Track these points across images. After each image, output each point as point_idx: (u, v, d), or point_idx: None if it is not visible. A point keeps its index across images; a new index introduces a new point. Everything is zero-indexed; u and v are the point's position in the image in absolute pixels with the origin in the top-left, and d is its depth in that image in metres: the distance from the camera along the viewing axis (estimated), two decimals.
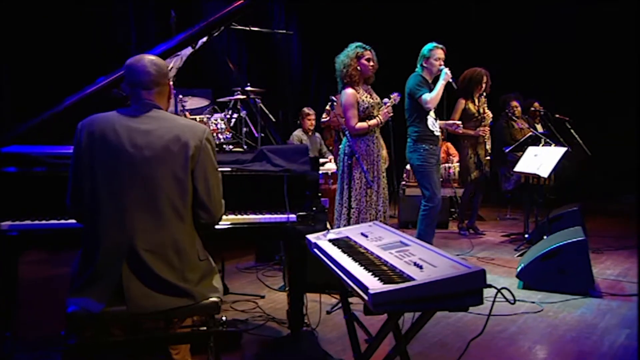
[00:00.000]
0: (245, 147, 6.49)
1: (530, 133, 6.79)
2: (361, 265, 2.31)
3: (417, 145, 5.64)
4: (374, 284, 2.04)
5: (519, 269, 4.92)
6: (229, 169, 3.15)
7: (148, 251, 2.32)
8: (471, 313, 4.04)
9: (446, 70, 5.55)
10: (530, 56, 10.04)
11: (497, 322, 4.04)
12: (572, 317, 4.14)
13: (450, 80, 5.56)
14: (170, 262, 2.36)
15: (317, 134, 7.96)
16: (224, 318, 2.59)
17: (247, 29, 6.60)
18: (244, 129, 6.72)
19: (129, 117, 2.45)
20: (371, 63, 5.14)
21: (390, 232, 2.81)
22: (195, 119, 6.37)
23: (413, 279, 2.05)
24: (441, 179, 8.27)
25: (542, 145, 6.44)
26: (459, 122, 5.99)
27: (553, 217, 6.50)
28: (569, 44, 9.69)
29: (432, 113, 5.66)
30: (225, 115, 6.60)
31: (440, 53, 5.65)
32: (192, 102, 6.59)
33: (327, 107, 7.41)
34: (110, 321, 2.34)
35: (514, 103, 8.09)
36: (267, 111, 7.02)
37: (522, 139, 6.85)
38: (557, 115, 8.78)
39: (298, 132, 7.84)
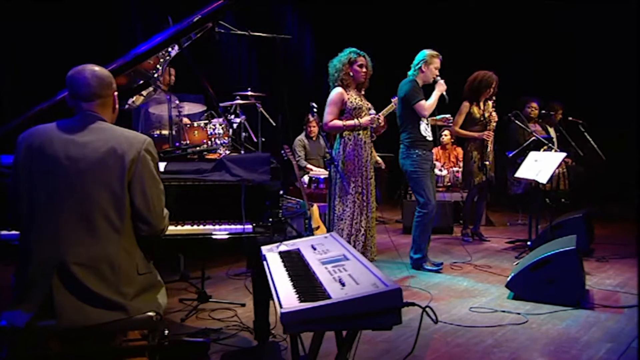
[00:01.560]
0: (242, 152, 6.51)
1: (534, 137, 6.63)
2: (292, 281, 2.28)
3: (410, 151, 5.57)
4: (290, 302, 2.00)
5: (508, 279, 4.81)
6: (173, 180, 3.13)
7: (79, 265, 2.31)
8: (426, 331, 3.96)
9: (442, 82, 5.52)
10: (548, 58, 9.83)
11: (475, 333, 3.94)
12: (555, 329, 4.02)
13: (444, 93, 5.50)
14: (104, 276, 2.34)
15: (322, 139, 7.91)
16: (166, 332, 2.57)
17: (247, 33, 6.60)
18: (243, 134, 6.74)
19: (68, 128, 2.45)
20: (364, 69, 5.11)
21: (339, 245, 2.75)
22: (192, 124, 6.42)
23: (329, 297, 1.99)
24: (449, 184, 8.24)
25: (544, 150, 6.29)
26: (448, 116, 5.85)
27: (556, 224, 6.33)
28: (590, 44, 9.46)
29: (424, 118, 5.59)
30: (224, 120, 6.61)
31: (438, 63, 5.59)
32: (189, 108, 6.62)
33: (309, 115, 7.39)
34: (42, 335, 2.34)
35: (534, 104, 7.96)
36: (267, 116, 7.01)
37: (525, 144, 6.70)
38: (570, 118, 8.62)
39: (301, 137, 7.82)
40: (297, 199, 6.48)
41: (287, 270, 2.44)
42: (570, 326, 4.09)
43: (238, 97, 6.73)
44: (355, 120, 5.03)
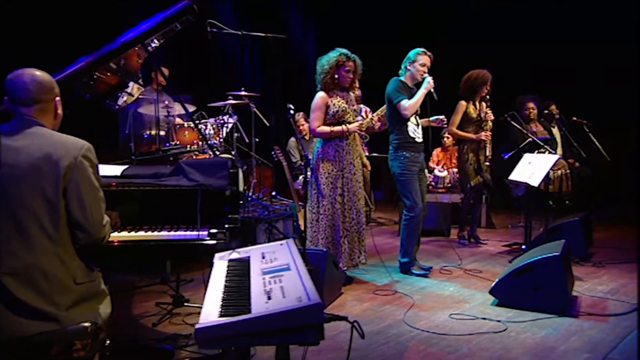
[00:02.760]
0: (233, 152, 6.46)
1: (530, 139, 6.48)
2: (224, 293, 2.21)
3: (397, 153, 5.47)
4: (209, 317, 1.93)
5: (492, 285, 4.69)
6: (129, 184, 3.07)
7: (10, 275, 2.26)
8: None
9: (429, 79, 5.38)
10: (550, 56, 9.63)
11: (450, 342, 3.84)
12: (533, 338, 3.90)
13: (432, 90, 5.38)
14: (37, 286, 2.29)
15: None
16: (107, 342, 2.50)
17: (240, 33, 6.55)
18: (236, 135, 6.68)
19: (4, 133, 2.40)
20: (350, 75, 5.02)
21: (289, 254, 2.67)
22: (182, 125, 6.38)
23: (249, 312, 1.92)
24: (449, 185, 8.11)
25: (537, 152, 6.15)
26: (442, 117, 5.70)
27: (552, 227, 6.21)
28: (594, 43, 9.25)
29: (413, 119, 5.49)
30: (217, 120, 6.58)
31: (426, 59, 5.48)
32: (179, 108, 6.58)
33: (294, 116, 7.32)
34: None
35: (531, 105, 7.83)
36: (261, 116, 6.95)
37: (521, 145, 6.55)
38: (574, 119, 8.44)
39: (293, 138, 7.76)
40: (291, 201, 6.43)
41: (226, 281, 2.38)
42: (550, 335, 3.97)
43: (230, 97, 6.68)
44: (343, 126, 4.93)
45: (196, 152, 5.70)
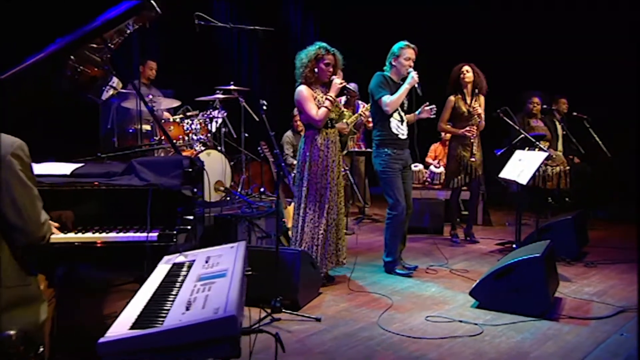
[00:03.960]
0: (219, 148, 6.37)
1: (522, 135, 6.32)
2: (149, 300, 2.12)
3: (379, 150, 5.36)
4: (118, 329, 1.84)
5: (473, 286, 4.57)
6: (78, 184, 2.99)
7: None
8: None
9: (413, 74, 5.26)
10: (557, 51, 9.41)
11: (421, 346, 3.73)
12: (508, 342, 3.78)
13: (416, 85, 5.26)
14: None
15: None
16: (41, 349, 2.43)
17: (228, 26, 6.45)
18: (223, 130, 6.59)
19: None
20: (330, 68, 4.91)
21: (233, 259, 2.56)
22: (168, 119, 6.30)
23: (160, 324, 1.83)
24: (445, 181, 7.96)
25: (528, 149, 6.00)
26: (432, 107, 5.53)
27: (544, 226, 6.07)
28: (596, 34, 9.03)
29: (396, 115, 5.37)
30: (204, 115, 6.49)
31: (410, 53, 5.34)
32: (165, 103, 6.51)
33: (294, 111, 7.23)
34: None
35: (536, 99, 7.72)
36: (250, 111, 6.86)
37: (514, 141, 6.39)
38: (574, 114, 8.27)
39: (289, 134, 7.66)
40: (288, 199, 6.32)
41: (158, 287, 2.28)
42: (526, 339, 3.84)
43: (218, 92, 6.58)
44: (329, 95, 4.83)
45: (164, 148, 5.60)
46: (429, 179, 8.21)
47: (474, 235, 6.99)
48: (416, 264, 5.65)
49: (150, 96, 6.11)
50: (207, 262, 2.58)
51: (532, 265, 4.24)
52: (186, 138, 6.33)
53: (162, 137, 6.28)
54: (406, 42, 5.36)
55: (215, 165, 6.16)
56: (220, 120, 6.82)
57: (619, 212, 8.58)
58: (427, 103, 5.51)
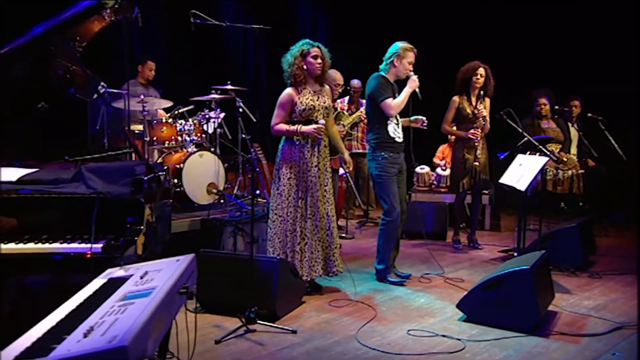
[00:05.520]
0: (212, 149, 6.23)
1: (526, 138, 6.05)
2: (59, 322, 1.97)
3: (375, 153, 5.18)
4: (5, 355, 1.68)
5: (460, 299, 4.36)
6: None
7: None
8: None
9: (414, 78, 5.11)
10: (567, 49, 9.08)
11: None
12: None
13: (417, 89, 5.07)
14: None
15: None
16: None
17: (224, 24, 6.32)
18: (219, 130, 6.46)
19: None
20: (318, 60, 4.75)
21: (167, 275, 2.39)
22: (161, 120, 6.18)
23: (45, 354, 1.67)
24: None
25: (529, 154, 5.74)
26: (423, 118, 5.32)
27: (547, 234, 5.82)
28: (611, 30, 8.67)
29: (394, 118, 5.17)
30: (198, 115, 6.36)
31: (412, 57, 5.16)
32: (158, 103, 6.39)
33: None
34: None
35: (543, 100, 7.46)
36: (247, 111, 6.72)
37: (519, 144, 6.12)
38: (589, 115, 7.95)
39: None
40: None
41: (77, 306, 2.14)
42: (509, 357, 3.63)
43: (213, 92, 6.44)
44: (297, 126, 4.65)
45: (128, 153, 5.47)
46: (435, 182, 7.97)
47: (477, 241, 6.75)
48: (410, 272, 5.45)
49: (142, 96, 5.99)
50: (142, 277, 2.43)
51: (521, 278, 4.01)
52: (179, 139, 6.20)
53: (155, 138, 6.18)
54: (409, 45, 5.16)
55: (208, 167, 6.01)
56: (218, 121, 6.68)
57: (637, 216, 8.22)
58: (424, 119, 5.29)
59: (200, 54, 8.25)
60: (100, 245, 2.77)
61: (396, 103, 5.06)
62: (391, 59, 5.19)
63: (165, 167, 5.45)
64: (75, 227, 2.88)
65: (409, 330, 4.07)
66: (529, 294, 4.02)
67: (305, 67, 4.71)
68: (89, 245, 2.75)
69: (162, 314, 2.07)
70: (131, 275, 2.51)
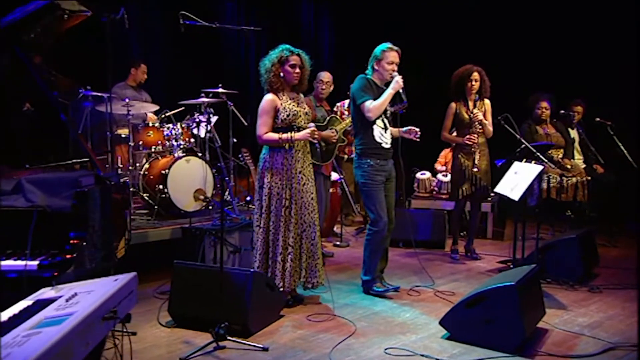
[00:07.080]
0: (201, 155, 6.07)
1: (524, 145, 5.80)
2: None
3: (361, 160, 4.97)
4: None
5: (443, 315, 4.13)
6: None
7: None
8: None
9: (397, 79, 4.85)
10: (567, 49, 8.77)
11: None
12: None
13: (400, 90, 4.84)
14: None
15: None
16: None
17: (214, 25, 6.16)
18: (208, 135, 6.29)
19: None
20: (297, 70, 4.55)
21: (93, 298, 2.23)
22: (148, 124, 6.03)
23: None
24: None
25: (525, 161, 5.50)
26: (416, 129, 5.09)
27: (545, 245, 5.57)
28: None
29: (380, 122, 4.96)
30: (187, 119, 6.21)
31: (394, 56, 4.93)
32: (144, 107, 6.24)
33: None
34: None
35: (544, 104, 7.14)
36: (239, 115, 6.55)
37: (517, 151, 5.88)
38: (597, 119, 7.65)
39: None
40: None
41: None
42: None
43: (203, 95, 6.27)
44: (289, 133, 4.47)
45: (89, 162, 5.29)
46: (436, 188, 7.74)
47: (475, 251, 6.51)
48: (399, 284, 5.23)
49: (127, 99, 5.84)
50: (68, 300, 2.26)
51: (505, 295, 3.79)
52: (167, 144, 6.04)
53: (141, 142, 6.03)
54: (389, 45, 4.95)
55: (195, 172, 5.83)
56: (210, 125, 6.51)
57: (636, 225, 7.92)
58: (417, 130, 5.06)
59: (196, 56, 8.09)
60: (36, 263, 2.60)
61: (374, 105, 4.81)
62: (371, 63, 5.01)
63: (125, 178, 5.32)
64: (14, 242, 2.72)
65: (386, 349, 3.85)
66: (513, 312, 3.79)
67: (282, 74, 4.53)
68: (23, 263, 2.58)
69: (71, 345, 1.89)
70: (60, 297, 2.34)
